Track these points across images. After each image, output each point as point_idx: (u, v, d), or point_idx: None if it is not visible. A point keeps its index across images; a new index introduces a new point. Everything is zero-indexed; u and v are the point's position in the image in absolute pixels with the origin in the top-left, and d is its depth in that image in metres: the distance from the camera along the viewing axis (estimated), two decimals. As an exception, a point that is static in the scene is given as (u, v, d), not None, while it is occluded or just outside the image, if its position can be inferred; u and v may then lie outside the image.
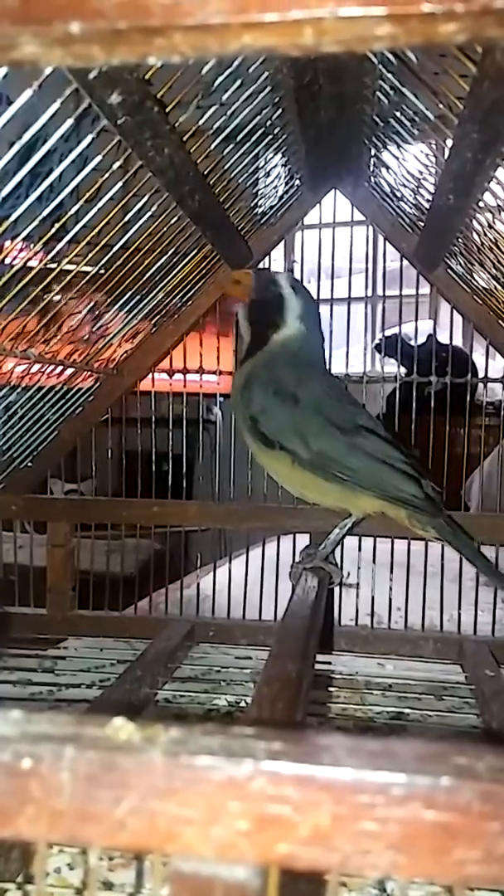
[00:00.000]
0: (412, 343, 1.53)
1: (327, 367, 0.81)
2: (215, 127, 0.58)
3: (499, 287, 0.76)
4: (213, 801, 0.21)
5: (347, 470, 0.69)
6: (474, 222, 0.70)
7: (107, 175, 0.54)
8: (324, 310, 0.98)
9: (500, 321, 0.84)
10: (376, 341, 2.24)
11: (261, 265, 0.92)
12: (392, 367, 1.15)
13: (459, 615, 0.90)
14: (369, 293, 2.47)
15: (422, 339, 1.80)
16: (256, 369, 0.73)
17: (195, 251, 0.74)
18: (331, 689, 0.74)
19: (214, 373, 0.95)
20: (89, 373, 0.82)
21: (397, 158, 0.73)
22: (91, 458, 0.96)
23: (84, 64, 0.23)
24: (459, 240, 0.74)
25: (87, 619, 0.90)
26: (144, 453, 0.94)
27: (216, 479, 1.08)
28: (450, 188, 0.60)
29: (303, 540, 0.89)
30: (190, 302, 0.87)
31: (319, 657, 0.75)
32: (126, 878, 0.44)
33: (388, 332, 2.02)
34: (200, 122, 0.55)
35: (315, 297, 0.79)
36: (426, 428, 0.91)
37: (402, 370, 1.16)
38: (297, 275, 0.98)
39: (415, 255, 0.85)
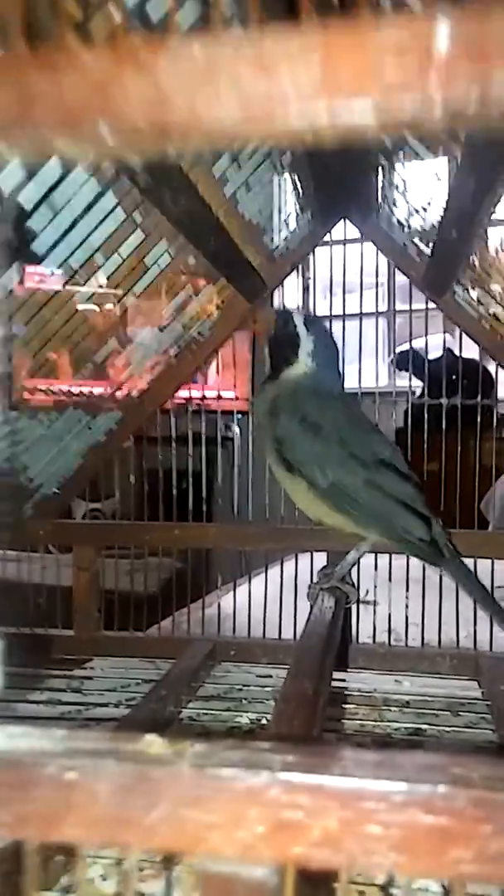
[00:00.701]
0: (429, 357, 1.54)
1: (345, 400, 0.83)
2: (228, 172, 0.62)
3: (505, 313, 0.78)
4: (234, 809, 0.24)
5: (358, 506, 0.72)
6: (479, 252, 0.72)
7: (125, 222, 0.57)
8: (337, 326, 1.01)
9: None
10: (393, 357, 2.26)
11: (276, 293, 0.95)
12: (410, 381, 1.17)
13: (475, 631, 0.92)
14: (382, 308, 2.49)
15: (438, 353, 1.82)
16: (281, 398, 0.75)
17: (212, 285, 0.78)
18: (349, 705, 0.76)
19: (232, 390, 0.98)
20: (114, 403, 0.86)
21: (403, 194, 0.76)
22: (113, 477, 0.99)
23: (111, 157, 0.27)
24: (466, 268, 0.77)
25: (113, 640, 0.92)
26: (165, 471, 0.97)
27: (235, 497, 1.11)
28: (453, 223, 0.63)
29: (320, 558, 0.91)
30: (209, 332, 0.91)
31: (338, 675, 0.77)
32: (156, 888, 0.46)
33: (404, 347, 2.05)
34: (215, 171, 0.58)
35: (330, 315, 0.81)
36: (442, 442, 0.93)
37: (420, 384, 1.18)
38: (311, 290, 1.01)
39: (423, 281, 0.88)
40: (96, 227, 0.55)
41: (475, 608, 0.91)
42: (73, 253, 0.55)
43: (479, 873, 0.23)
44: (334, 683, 0.73)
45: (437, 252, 0.76)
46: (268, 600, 0.95)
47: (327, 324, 0.85)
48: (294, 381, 0.76)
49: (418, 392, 1.21)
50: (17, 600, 0.95)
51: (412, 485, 0.74)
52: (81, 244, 0.55)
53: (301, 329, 0.75)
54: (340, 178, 0.79)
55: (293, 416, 0.74)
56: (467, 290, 0.80)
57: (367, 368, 1.05)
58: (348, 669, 0.84)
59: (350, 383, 1.06)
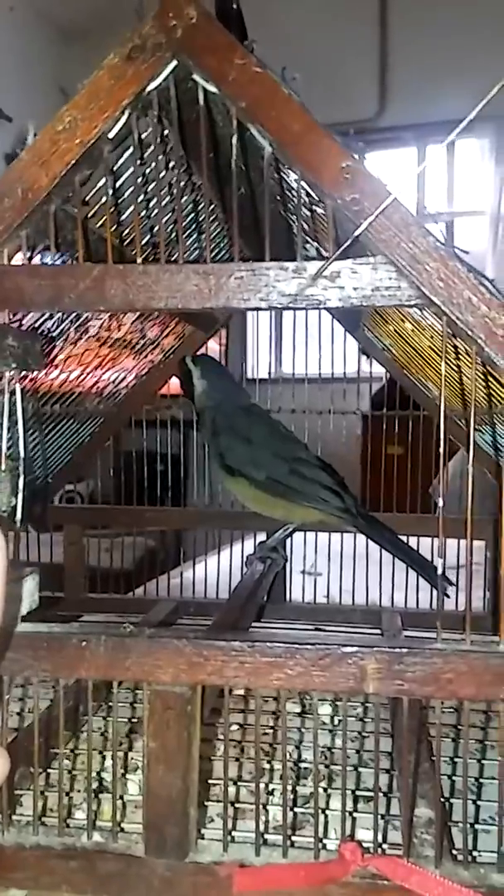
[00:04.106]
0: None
1: (260, 414, 1.04)
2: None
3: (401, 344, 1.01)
4: (169, 657, 0.47)
5: (288, 490, 0.94)
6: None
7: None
8: (301, 315, 1.19)
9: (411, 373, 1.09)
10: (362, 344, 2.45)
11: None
12: (377, 366, 1.18)
13: (393, 594, 1.16)
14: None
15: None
16: (217, 421, 0.98)
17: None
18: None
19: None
20: (100, 406, 1.08)
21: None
22: (89, 460, 1.19)
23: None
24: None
25: (96, 601, 1.15)
26: (140, 454, 1.16)
27: (207, 477, 1.27)
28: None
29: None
30: (179, 348, 1.13)
31: (268, 625, 1.01)
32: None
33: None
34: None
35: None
36: (408, 424, 1.14)
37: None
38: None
39: (339, 315, 1.10)
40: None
41: (393, 576, 1.15)
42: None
43: (284, 685, 0.46)
44: (262, 630, 0.96)
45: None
46: (220, 570, 1.18)
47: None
48: (201, 397, 1.00)
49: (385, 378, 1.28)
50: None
51: (325, 471, 0.97)
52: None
53: (190, 364, 1.00)
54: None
55: (229, 433, 0.97)
56: (367, 328, 1.03)
57: (334, 354, 1.21)
58: (282, 621, 1.07)
59: (316, 370, 1.25)
